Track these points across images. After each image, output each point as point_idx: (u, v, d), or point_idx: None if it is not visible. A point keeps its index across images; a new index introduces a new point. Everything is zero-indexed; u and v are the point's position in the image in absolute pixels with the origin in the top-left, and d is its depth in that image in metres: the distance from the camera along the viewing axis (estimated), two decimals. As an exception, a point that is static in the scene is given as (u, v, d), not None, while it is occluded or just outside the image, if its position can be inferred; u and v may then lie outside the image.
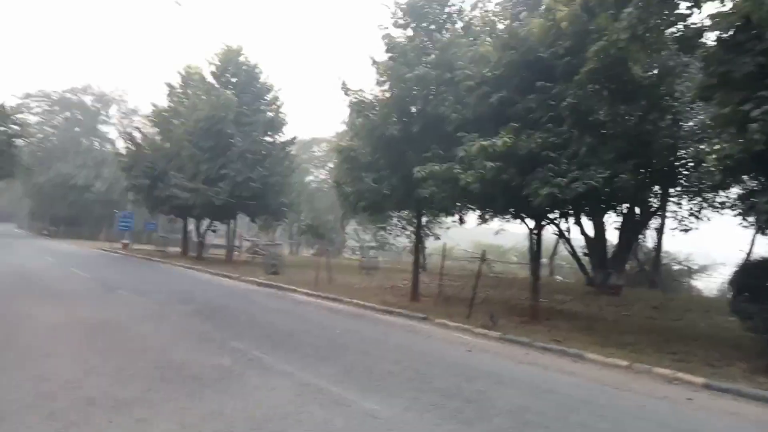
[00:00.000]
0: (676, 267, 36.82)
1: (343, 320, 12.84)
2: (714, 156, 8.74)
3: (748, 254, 21.43)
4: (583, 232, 28.70)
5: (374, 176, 15.98)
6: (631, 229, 25.17)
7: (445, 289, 18.09)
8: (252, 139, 28.97)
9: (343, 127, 40.21)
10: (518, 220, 15.32)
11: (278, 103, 31.46)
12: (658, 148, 13.29)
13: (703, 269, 38.05)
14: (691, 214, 22.48)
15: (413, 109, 15.77)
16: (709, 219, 21.42)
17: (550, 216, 14.34)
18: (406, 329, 12.03)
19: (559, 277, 38.34)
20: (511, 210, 14.31)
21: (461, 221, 18.90)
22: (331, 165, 45.42)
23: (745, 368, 9.38)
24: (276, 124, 31.35)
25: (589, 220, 25.84)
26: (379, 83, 16.51)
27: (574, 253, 32.50)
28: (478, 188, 12.57)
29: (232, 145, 28.06)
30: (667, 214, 24.86)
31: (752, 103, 8.15)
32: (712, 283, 30.76)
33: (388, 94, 16.17)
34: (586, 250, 28.22)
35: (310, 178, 49.14)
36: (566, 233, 31.66)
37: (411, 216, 31.47)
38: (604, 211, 14.59)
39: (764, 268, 9.87)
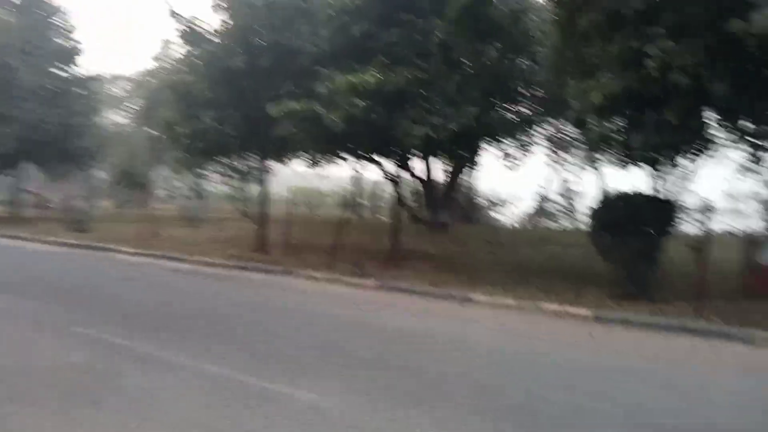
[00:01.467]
0: (482, 202, 40.29)
1: (200, 283, 11.13)
2: (599, 93, 8.71)
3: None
4: (413, 174, 29.36)
5: (215, 115, 13.93)
6: (458, 169, 26.24)
7: (288, 238, 16.95)
8: (42, 72, 23.99)
9: (154, 63, 35.56)
10: (376, 163, 14.66)
11: (68, 26, 26.36)
12: (515, 87, 13.36)
13: (503, 202, 42.18)
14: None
15: (261, 41, 13.88)
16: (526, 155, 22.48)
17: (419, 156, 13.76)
18: (275, 286, 10.79)
19: (383, 218, 39.29)
20: (376, 151, 13.48)
21: (316, 164, 17.72)
22: (136, 106, 40.29)
23: (608, 295, 9.93)
24: (67, 54, 26.32)
25: (423, 160, 26.40)
26: (217, 9, 14.22)
27: (398, 193, 33.41)
28: (344, 128, 11.50)
29: (17, 79, 22.95)
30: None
31: (641, 41, 8.23)
32: (511, 216, 33.80)
33: (230, 23, 14.02)
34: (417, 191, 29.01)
35: (114, 120, 43.15)
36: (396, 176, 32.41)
37: (240, 161, 29.29)
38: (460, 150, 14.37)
39: (621, 204, 10.45)
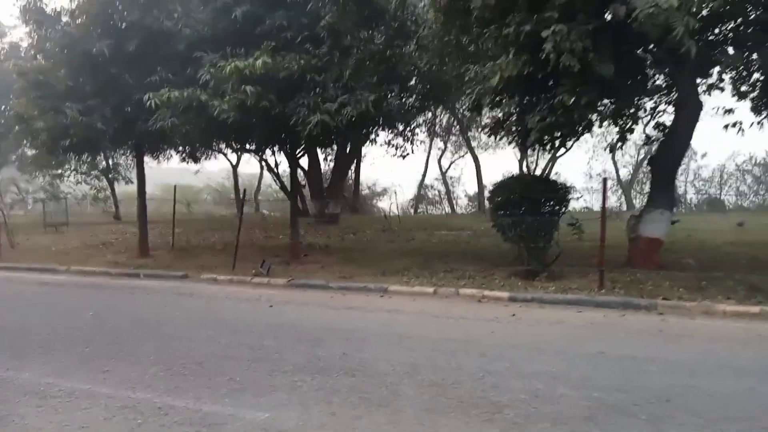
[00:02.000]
0: (365, 192, 40.60)
1: (85, 295, 9.83)
2: (497, 76, 8.88)
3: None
4: (298, 165, 28.61)
5: (79, 106, 12.41)
6: (344, 159, 26.05)
7: (173, 239, 15.77)
8: None
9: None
10: (261, 154, 13.94)
11: None
12: (405, 73, 13.35)
13: (383, 192, 42.92)
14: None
15: (123, 23, 12.56)
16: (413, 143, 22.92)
17: (317, 145, 13.22)
18: (173, 293, 9.82)
19: (265, 211, 38.11)
20: (267, 141, 12.75)
21: (194, 159, 16.45)
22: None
23: (513, 275, 10.31)
24: None
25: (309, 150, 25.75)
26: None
27: (284, 187, 32.52)
28: (234, 117, 10.75)
29: None
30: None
31: (531, 24, 8.46)
32: (394, 204, 34.42)
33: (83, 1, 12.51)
34: (302, 183, 28.35)
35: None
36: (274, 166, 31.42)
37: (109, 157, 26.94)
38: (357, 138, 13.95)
39: (516, 185, 10.84)
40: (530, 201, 10.21)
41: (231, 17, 11.57)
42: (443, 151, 40.37)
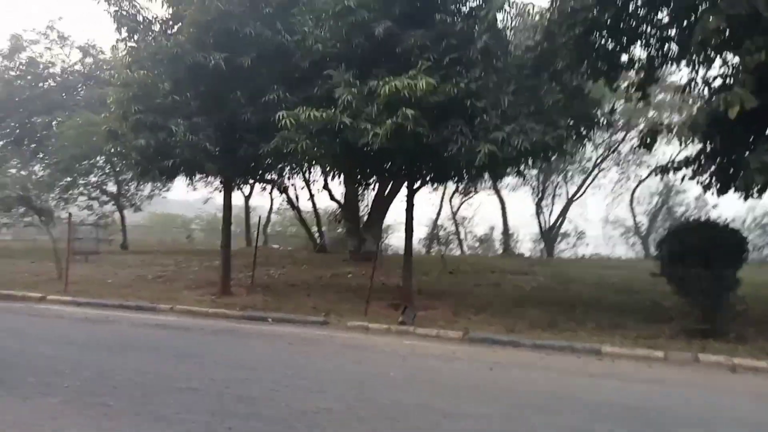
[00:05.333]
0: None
1: (231, 347, 8.16)
2: (735, 108, 7.84)
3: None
4: (332, 197, 27.27)
5: (185, 124, 11.02)
6: (387, 196, 24.80)
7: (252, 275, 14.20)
8: None
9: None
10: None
11: None
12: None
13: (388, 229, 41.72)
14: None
15: (242, 33, 11.33)
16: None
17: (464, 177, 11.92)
18: (342, 344, 8.27)
19: (276, 245, 36.39)
20: (409, 171, 11.42)
21: (281, 190, 14.99)
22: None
23: (688, 333, 9.21)
24: None
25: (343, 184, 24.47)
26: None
27: (302, 221, 31.07)
28: (382, 144, 9.55)
29: None
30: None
31: None
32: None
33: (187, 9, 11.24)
34: (339, 217, 26.95)
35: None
36: (294, 199, 30.02)
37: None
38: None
39: (693, 233, 9.86)
40: (718, 250, 9.21)
41: (368, 34, 10.50)
42: (455, 191, 39.59)
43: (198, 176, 13.92)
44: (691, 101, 12.95)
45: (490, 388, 6.04)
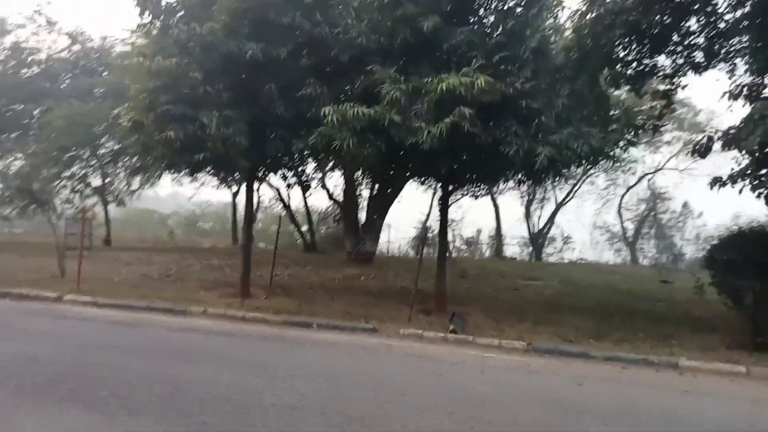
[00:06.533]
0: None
1: (285, 355, 7.66)
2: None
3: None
4: (330, 196, 26.73)
5: (218, 117, 10.41)
6: (387, 195, 24.33)
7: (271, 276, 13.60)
8: None
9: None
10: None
11: None
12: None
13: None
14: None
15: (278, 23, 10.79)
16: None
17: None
18: (405, 353, 7.84)
19: (262, 244, 35.58)
20: (458, 173, 11.00)
21: (303, 188, 14.38)
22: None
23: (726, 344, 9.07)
24: None
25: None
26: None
27: (293, 219, 30.40)
28: (433, 143, 9.16)
29: None
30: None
31: None
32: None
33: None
34: (338, 217, 26.43)
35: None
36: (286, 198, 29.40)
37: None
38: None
39: (744, 242, 9.73)
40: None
41: (415, 29, 10.09)
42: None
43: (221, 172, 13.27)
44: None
45: (595, 406, 5.68)
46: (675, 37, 10.92)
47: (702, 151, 9.69)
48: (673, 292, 15.87)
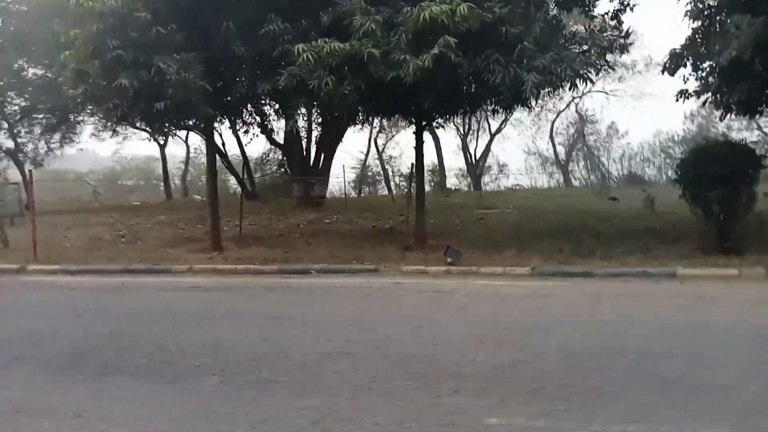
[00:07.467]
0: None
1: (301, 303, 7.53)
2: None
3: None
4: (272, 141, 25.69)
5: (175, 61, 9.57)
6: (332, 137, 23.75)
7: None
8: None
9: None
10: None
11: None
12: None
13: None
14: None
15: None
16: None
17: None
18: (413, 292, 7.76)
19: (197, 196, 34.21)
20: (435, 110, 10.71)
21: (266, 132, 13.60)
22: None
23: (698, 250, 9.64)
24: None
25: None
26: None
27: (230, 167, 29.21)
28: (416, 77, 8.86)
29: None
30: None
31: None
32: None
33: None
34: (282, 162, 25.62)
35: None
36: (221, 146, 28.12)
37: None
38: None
39: (710, 155, 10.20)
40: (739, 172, 9.62)
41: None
42: (379, 130, 38.88)
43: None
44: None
45: (632, 323, 5.80)
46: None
47: (672, 68, 9.95)
48: (623, 209, 16.68)
